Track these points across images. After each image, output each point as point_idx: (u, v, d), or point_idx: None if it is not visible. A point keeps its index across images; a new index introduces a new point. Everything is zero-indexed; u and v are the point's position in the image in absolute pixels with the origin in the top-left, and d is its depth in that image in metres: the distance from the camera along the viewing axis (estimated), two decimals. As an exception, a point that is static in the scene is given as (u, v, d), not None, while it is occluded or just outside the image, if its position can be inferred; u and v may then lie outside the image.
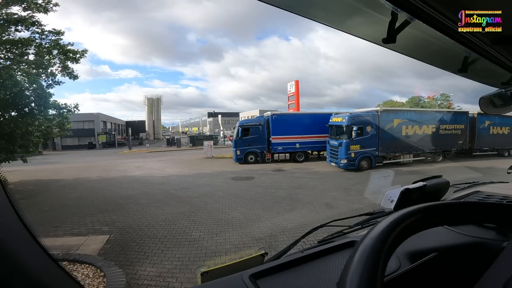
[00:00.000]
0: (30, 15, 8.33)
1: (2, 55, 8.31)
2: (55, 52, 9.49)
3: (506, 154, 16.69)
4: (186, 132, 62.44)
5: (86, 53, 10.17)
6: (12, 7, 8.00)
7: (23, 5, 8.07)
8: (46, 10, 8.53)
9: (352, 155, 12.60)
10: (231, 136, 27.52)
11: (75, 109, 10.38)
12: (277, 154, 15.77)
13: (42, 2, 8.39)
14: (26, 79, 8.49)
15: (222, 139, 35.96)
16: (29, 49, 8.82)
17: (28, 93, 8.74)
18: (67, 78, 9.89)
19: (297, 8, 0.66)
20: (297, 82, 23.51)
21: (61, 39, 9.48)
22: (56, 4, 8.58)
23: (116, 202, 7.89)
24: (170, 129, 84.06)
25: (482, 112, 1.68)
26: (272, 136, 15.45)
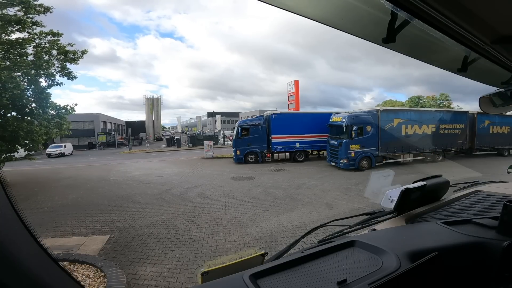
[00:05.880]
0: (28, 16, 8.35)
1: (1, 56, 8.32)
2: (54, 52, 9.51)
3: (506, 153, 16.71)
4: (186, 132, 62.51)
5: (85, 53, 10.18)
6: (12, 8, 8.03)
7: (20, 6, 8.10)
8: (44, 11, 8.57)
9: (352, 154, 12.60)
10: (231, 136, 27.53)
11: (72, 109, 10.43)
12: (277, 154, 15.78)
13: (38, 7, 8.45)
14: (26, 80, 8.52)
15: (222, 139, 35.95)
16: (28, 49, 8.84)
17: (28, 94, 8.79)
18: (65, 78, 9.93)
19: (296, 8, 0.66)
20: (296, 82, 23.54)
21: (59, 40, 9.51)
22: (49, 8, 8.64)
23: (116, 202, 7.89)
24: (170, 129, 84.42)
25: (482, 111, 1.68)
26: (272, 135, 15.47)
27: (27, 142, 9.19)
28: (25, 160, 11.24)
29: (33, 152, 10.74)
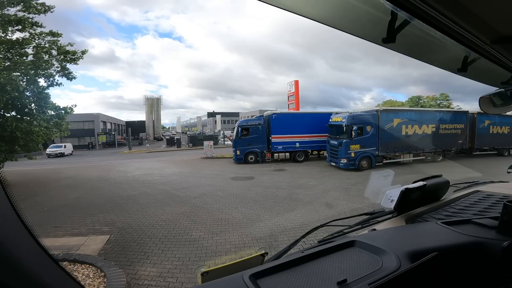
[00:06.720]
0: (28, 16, 8.36)
1: (1, 56, 8.32)
2: (54, 52, 9.50)
3: (506, 153, 16.71)
4: (186, 132, 62.60)
5: (85, 53, 10.17)
6: (12, 8, 8.03)
7: (21, 5, 8.10)
8: (45, 11, 8.57)
9: (352, 154, 12.60)
10: (231, 136, 27.54)
11: (71, 110, 10.42)
12: (277, 154, 15.79)
13: (39, 6, 8.44)
14: (25, 80, 8.53)
15: (222, 139, 35.97)
16: (27, 48, 8.84)
17: (27, 94, 8.79)
18: (64, 79, 9.92)
19: (295, 8, 0.66)
20: (296, 82, 23.54)
21: (59, 40, 9.50)
22: (50, 8, 8.64)
23: (116, 202, 7.89)
24: (170, 129, 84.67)
25: (482, 111, 1.68)
26: (272, 135, 15.48)
27: (27, 141, 9.17)
28: (26, 159, 11.24)
29: (37, 148, 10.69)
